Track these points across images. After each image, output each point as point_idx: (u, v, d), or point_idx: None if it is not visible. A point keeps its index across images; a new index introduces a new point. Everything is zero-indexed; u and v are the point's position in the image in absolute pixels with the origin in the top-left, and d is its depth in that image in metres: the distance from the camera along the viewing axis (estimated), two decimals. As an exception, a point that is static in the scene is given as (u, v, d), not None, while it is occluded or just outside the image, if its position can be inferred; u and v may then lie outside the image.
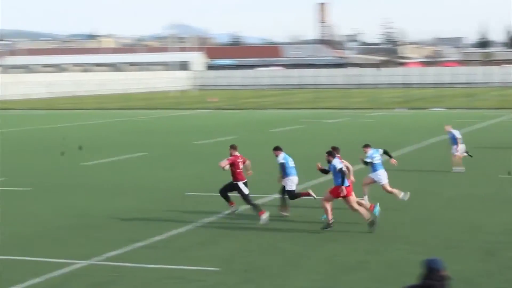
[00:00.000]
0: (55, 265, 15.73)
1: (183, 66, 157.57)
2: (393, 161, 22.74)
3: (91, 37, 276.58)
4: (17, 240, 18.27)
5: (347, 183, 18.75)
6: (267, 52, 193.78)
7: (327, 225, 18.78)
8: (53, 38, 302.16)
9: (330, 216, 18.79)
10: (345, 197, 18.68)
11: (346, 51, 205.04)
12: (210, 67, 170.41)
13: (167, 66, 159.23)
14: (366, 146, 21.81)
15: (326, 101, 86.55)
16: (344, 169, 18.79)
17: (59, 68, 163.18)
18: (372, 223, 18.60)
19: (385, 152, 22.14)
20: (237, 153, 20.60)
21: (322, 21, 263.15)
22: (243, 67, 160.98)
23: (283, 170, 20.49)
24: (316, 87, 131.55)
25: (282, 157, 20.60)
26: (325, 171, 19.38)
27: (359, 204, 19.29)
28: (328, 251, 16.71)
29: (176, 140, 42.90)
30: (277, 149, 20.84)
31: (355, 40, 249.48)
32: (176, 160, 33.96)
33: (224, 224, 19.81)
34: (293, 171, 20.61)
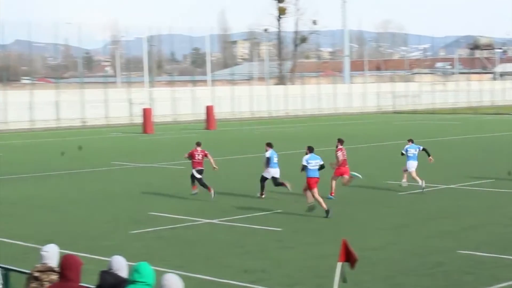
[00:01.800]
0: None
1: None
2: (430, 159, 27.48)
3: None
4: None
5: (313, 174, 21.93)
6: None
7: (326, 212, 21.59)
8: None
9: (323, 205, 21.69)
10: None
11: None
12: None
13: None
14: (410, 141, 27.21)
15: None
16: (305, 163, 21.94)
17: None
18: (327, 213, 21.52)
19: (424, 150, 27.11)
20: (199, 149, 25.99)
21: None
22: None
23: (267, 163, 25.16)
24: None
25: (269, 152, 25.24)
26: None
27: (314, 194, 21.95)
28: None
29: None
30: (268, 145, 25.71)
31: None
32: None
33: None
34: (274, 165, 25.26)
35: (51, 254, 9.34)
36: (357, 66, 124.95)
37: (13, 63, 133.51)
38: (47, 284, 9.04)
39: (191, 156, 26.07)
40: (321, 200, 21.91)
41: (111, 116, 79.41)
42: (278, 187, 25.68)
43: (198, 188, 25.86)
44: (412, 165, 26.69)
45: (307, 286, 14.64)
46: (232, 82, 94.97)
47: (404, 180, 26.92)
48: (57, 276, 9.06)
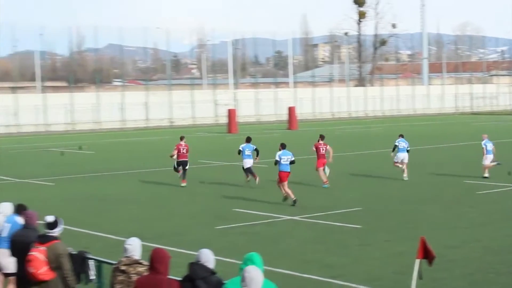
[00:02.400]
0: None
1: None
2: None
3: None
4: None
5: (284, 168, 23.88)
6: None
7: (293, 202, 23.48)
8: None
9: (291, 196, 23.63)
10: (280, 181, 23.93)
11: None
12: None
13: None
14: (400, 135, 30.49)
15: None
16: (277, 159, 23.93)
17: None
18: (294, 202, 23.41)
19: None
20: (182, 144, 29.48)
21: None
22: None
23: (242, 155, 28.64)
24: None
25: (242, 146, 28.72)
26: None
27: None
28: None
29: None
30: (247, 140, 29.11)
31: None
32: None
33: None
34: (246, 157, 28.48)
35: (135, 247, 9.48)
36: (435, 68, 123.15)
37: (106, 66, 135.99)
38: (134, 277, 9.17)
39: (177, 149, 29.28)
40: (289, 192, 23.79)
41: (197, 116, 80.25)
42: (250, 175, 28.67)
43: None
44: (404, 156, 29.74)
45: (385, 281, 14.51)
46: (313, 84, 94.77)
47: (405, 174, 29.36)
48: (144, 268, 9.19)
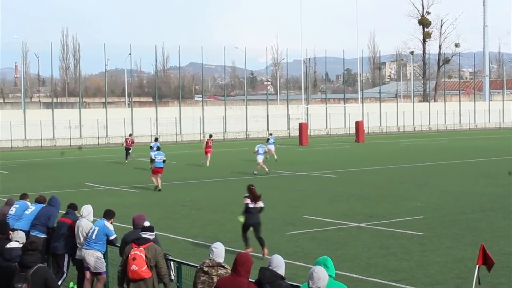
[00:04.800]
0: None
1: None
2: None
3: None
4: None
5: (157, 165, 30.57)
6: None
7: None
8: None
9: (159, 185, 30.42)
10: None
11: None
12: None
13: None
14: (270, 134, 46.24)
15: None
16: (153, 157, 32.43)
17: None
18: (159, 190, 30.05)
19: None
20: (129, 138, 46.52)
21: None
22: None
23: (150, 149, 39.67)
24: None
25: (152, 144, 38.84)
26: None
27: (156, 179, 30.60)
28: None
29: None
30: (155, 139, 40.64)
31: None
32: None
33: None
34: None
35: (219, 251, 9.51)
36: (496, 85, 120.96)
37: (188, 83, 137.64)
38: (216, 278, 9.21)
39: (125, 141, 46.21)
40: (157, 183, 30.34)
41: (271, 129, 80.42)
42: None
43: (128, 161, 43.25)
44: (271, 147, 43.35)
45: (446, 286, 14.21)
46: (380, 99, 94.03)
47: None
48: (225, 271, 9.21)
